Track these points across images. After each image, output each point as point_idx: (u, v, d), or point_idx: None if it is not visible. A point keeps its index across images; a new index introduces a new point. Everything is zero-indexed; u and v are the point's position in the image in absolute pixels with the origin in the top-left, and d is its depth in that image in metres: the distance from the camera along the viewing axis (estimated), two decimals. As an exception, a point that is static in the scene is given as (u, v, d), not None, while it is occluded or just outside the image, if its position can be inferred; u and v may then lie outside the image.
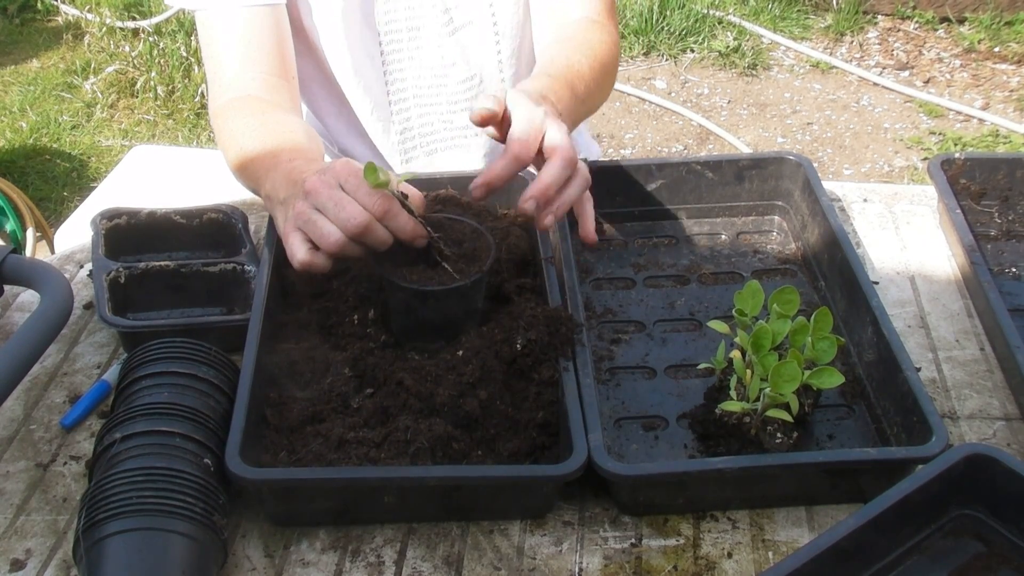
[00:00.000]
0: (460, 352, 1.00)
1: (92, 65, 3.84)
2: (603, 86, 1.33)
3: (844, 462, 0.95)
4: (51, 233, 2.64)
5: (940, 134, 3.47)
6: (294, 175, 1.07)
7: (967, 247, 1.20)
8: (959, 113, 3.58)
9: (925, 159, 3.31)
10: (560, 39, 1.35)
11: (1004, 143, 3.40)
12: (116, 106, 3.68)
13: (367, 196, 0.98)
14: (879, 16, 4.13)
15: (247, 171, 1.19)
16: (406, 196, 1.00)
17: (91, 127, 3.59)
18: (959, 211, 1.25)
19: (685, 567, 0.91)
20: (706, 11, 4.06)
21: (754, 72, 3.85)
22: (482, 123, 1.04)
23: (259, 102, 1.25)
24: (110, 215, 1.26)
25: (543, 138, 1.02)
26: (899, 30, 4.06)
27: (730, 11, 4.12)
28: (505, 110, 1.03)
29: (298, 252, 1.01)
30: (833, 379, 0.97)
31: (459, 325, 1.04)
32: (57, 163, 3.41)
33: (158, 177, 2.33)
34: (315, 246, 1.00)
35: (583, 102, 1.24)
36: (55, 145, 3.49)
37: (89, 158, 3.45)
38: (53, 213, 3.15)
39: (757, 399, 0.97)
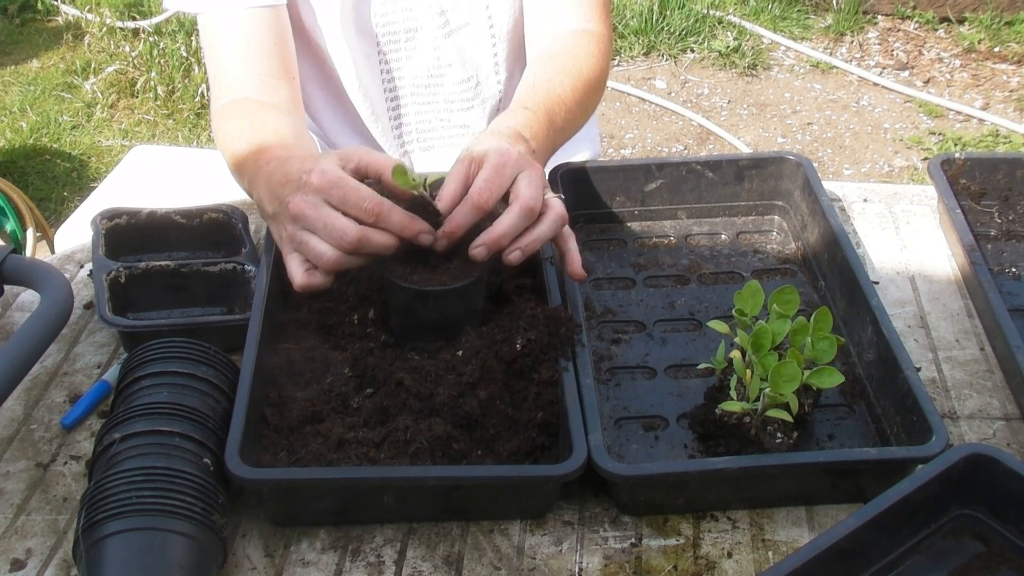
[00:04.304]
0: (460, 352, 1.00)
1: (92, 65, 3.84)
2: (587, 106, 1.32)
3: (844, 462, 0.95)
4: (51, 233, 2.64)
5: (940, 134, 3.47)
6: (273, 185, 1.07)
7: (967, 247, 1.20)
8: (959, 113, 3.58)
9: (925, 159, 3.31)
10: (546, 56, 1.33)
11: (1004, 143, 3.40)
12: (116, 106, 3.68)
13: (356, 206, 0.98)
14: (879, 16, 4.13)
15: (239, 174, 1.20)
16: (434, 196, 1.00)
17: (91, 127, 3.59)
18: (959, 211, 1.25)
19: (685, 567, 0.91)
20: (706, 11, 4.06)
21: (754, 72, 3.85)
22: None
23: (255, 104, 1.25)
24: (110, 215, 1.26)
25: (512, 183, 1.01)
26: (899, 30, 4.06)
27: (730, 11, 4.12)
28: (481, 159, 1.03)
29: (296, 275, 1.02)
30: (833, 379, 0.97)
31: (459, 325, 1.04)
32: (57, 163, 3.41)
33: (158, 177, 2.33)
34: (313, 265, 1.01)
35: (562, 131, 1.23)
36: (55, 145, 3.49)
37: (89, 158, 3.45)
38: (53, 213, 3.15)
39: (757, 399, 0.96)
